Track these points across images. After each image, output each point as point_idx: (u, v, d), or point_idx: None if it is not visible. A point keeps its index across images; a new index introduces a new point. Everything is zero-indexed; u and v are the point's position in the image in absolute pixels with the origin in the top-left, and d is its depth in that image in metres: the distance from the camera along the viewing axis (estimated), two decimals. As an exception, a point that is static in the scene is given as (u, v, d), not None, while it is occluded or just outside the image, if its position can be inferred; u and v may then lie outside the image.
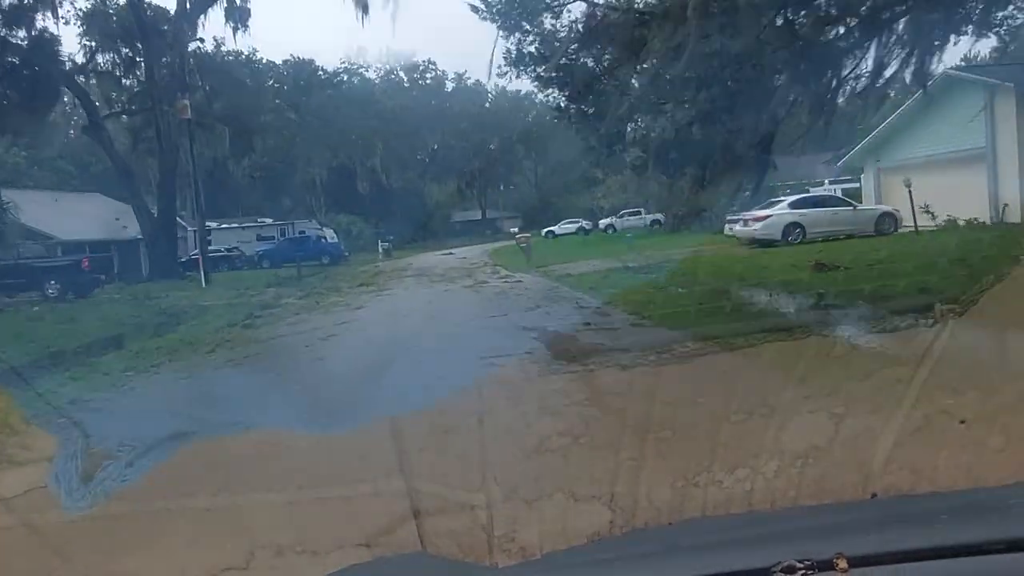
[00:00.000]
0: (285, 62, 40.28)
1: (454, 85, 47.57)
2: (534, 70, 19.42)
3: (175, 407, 5.46)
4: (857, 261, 9.64)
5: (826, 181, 24.73)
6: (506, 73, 20.72)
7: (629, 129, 19.40)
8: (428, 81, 47.64)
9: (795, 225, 15.33)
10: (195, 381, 6.45)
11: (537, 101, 53.01)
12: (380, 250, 29.41)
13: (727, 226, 17.07)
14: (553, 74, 15.31)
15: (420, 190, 42.15)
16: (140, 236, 23.51)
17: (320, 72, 41.15)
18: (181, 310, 12.12)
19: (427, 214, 40.96)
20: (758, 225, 15.40)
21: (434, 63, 46.18)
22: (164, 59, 24.38)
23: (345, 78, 43.25)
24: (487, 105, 49.38)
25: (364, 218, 37.81)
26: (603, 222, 30.94)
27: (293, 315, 10.52)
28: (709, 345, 5.47)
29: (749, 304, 7.43)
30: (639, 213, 29.86)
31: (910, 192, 14.31)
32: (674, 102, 11.88)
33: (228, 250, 26.58)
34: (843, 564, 1.05)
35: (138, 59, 24.21)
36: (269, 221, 31.10)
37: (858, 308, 6.42)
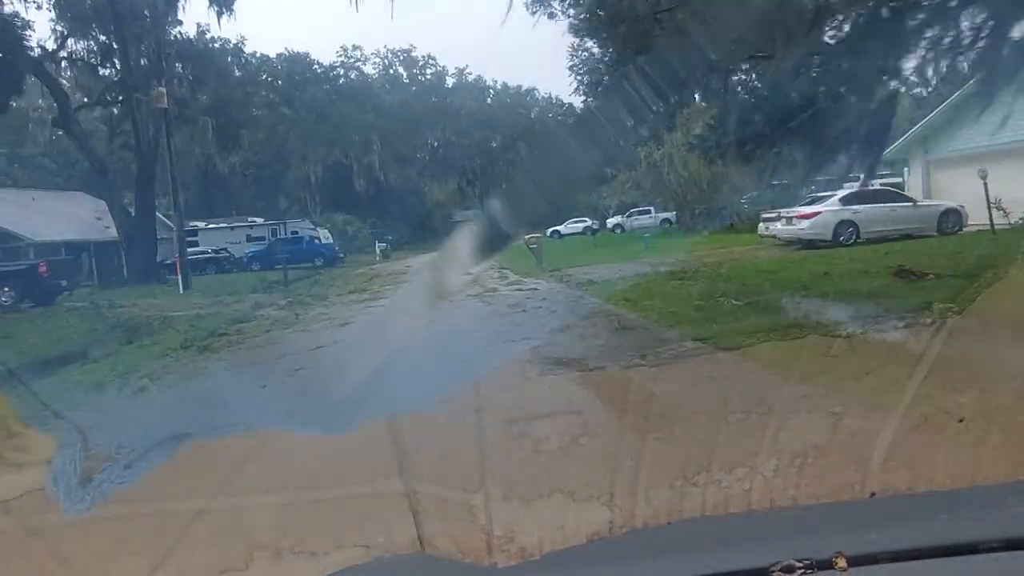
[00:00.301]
0: (279, 55, 41.56)
1: (455, 81, 49.62)
2: (567, 11, 18.56)
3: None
4: (947, 267, 8.39)
5: (861, 176, 25.13)
6: (535, 11, 19.40)
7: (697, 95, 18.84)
8: (428, 77, 49.44)
9: (848, 223, 14.61)
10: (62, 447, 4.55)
11: (539, 97, 52.81)
12: (377, 251, 29.91)
13: (763, 225, 16.57)
14: (592, 15, 14.22)
15: (419, 189, 43.09)
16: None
17: (315, 66, 42.76)
18: (140, 324, 11.50)
19: (426, 213, 42.10)
20: (805, 223, 14.78)
21: (434, 58, 48.47)
22: (142, 45, 24.02)
23: (341, 72, 44.79)
24: (488, 101, 51.33)
25: (361, 217, 38.81)
26: (611, 221, 32.06)
27: (263, 333, 9.67)
28: (850, 396, 3.77)
29: (852, 328, 5.70)
30: (649, 212, 30.81)
31: (985, 185, 13.40)
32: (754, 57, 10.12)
33: (216, 252, 26.83)
34: (842, 563, 1.14)
35: (114, 45, 23.81)
36: (260, 221, 31.53)
37: (1005, 333, 5.01)
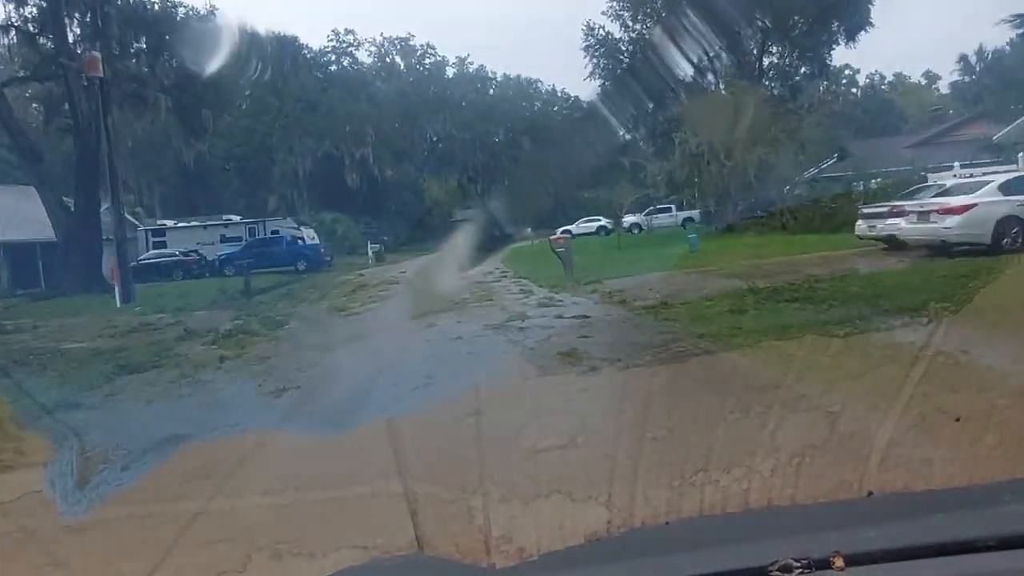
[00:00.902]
0: (266, 35, 42.46)
1: (455, 71, 51.00)
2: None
3: None
4: None
5: (956, 164, 23.51)
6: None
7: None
8: (427, 66, 50.53)
9: (1014, 220, 12.10)
10: None
11: (543, 90, 54.19)
12: (370, 253, 30.26)
13: (864, 223, 14.61)
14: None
15: (417, 185, 43.90)
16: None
17: (305, 51, 43.53)
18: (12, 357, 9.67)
19: (425, 212, 42.46)
20: (952, 221, 12.12)
21: (433, 47, 49.83)
22: (80, 7, 22.41)
23: (333, 58, 45.73)
24: (491, 92, 52.48)
25: (353, 216, 39.83)
26: (627, 220, 32.51)
27: (143, 404, 6.64)
28: None
29: None
30: (670, 210, 31.85)
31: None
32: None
33: (184, 254, 26.34)
34: (840, 562, 1.28)
35: (45, 4, 22.17)
36: (236, 219, 31.17)
37: None
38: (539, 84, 53.23)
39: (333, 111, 40.37)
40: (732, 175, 25.45)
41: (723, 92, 28.11)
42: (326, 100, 40.83)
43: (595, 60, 35.00)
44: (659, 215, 31.59)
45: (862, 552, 1.32)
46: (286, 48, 41.46)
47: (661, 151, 30.11)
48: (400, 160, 44.37)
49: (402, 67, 50.26)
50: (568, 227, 32.75)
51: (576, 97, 51.38)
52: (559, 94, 52.26)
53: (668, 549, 1.61)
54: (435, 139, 48.17)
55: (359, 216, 39.66)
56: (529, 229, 33.36)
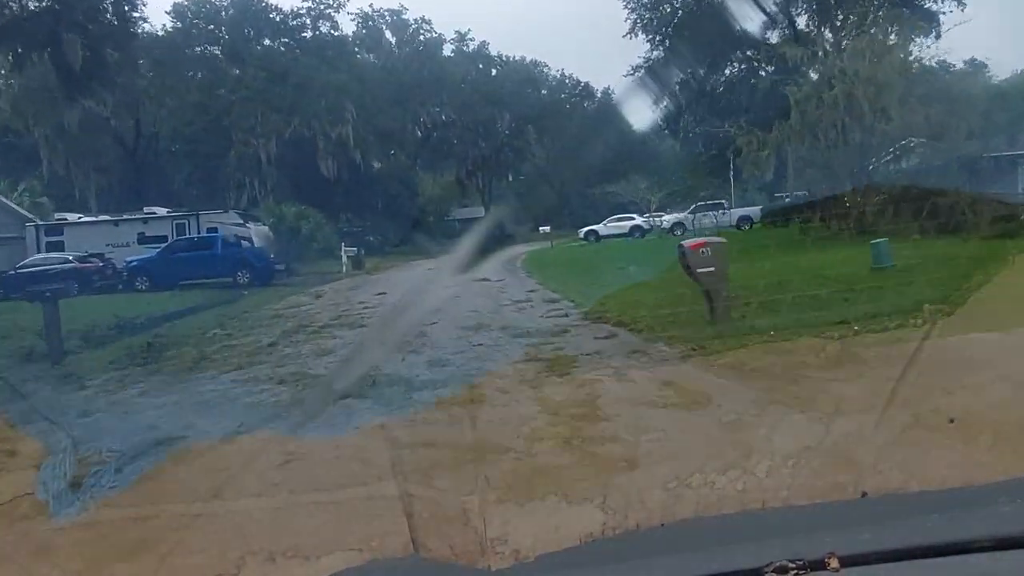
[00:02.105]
0: None
1: (453, 49, 51.39)
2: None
3: None
4: None
5: None
6: None
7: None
8: (421, 42, 50.04)
9: None
10: None
11: (551, 76, 54.56)
12: (344, 259, 27.82)
13: None
14: None
15: (408, 177, 43.95)
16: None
17: (273, 13, 41.11)
18: None
19: (419, 209, 42.77)
20: None
21: (429, 22, 49.95)
22: None
23: (308, 22, 42.82)
24: (494, 72, 53.09)
25: (329, 211, 37.14)
26: (666, 218, 33.18)
27: None
28: None
29: None
30: (720, 206, 31.93)
31: None
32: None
33: (82, 259, 23.51)
34: (834, 563, 1.50)
35: None
36: (162, 212, 27.89)
37: None
38: (546, 68, 54.51)
39: (306, 83, 38.31)
40: (877, 145, 24.63)
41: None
42: (297, 70, 38.97)
43: (635, 13, 34.93)
44: (710, 212, 31.00)
45: (857, 553, 1.56)
46: (248, 6, 40.25)
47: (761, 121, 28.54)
48: (389, 147, 43.72)
49: (393, 43, 51.11)
50: (593, 227, 32.98)
51: (586, 83, 52.45)
52: (568, 80, 53.68)
53: (663, 551, 1.92)
54: (430, 126, 47.92)
55: (337, 212, 38.16)
56: (548, 227, 32.63)
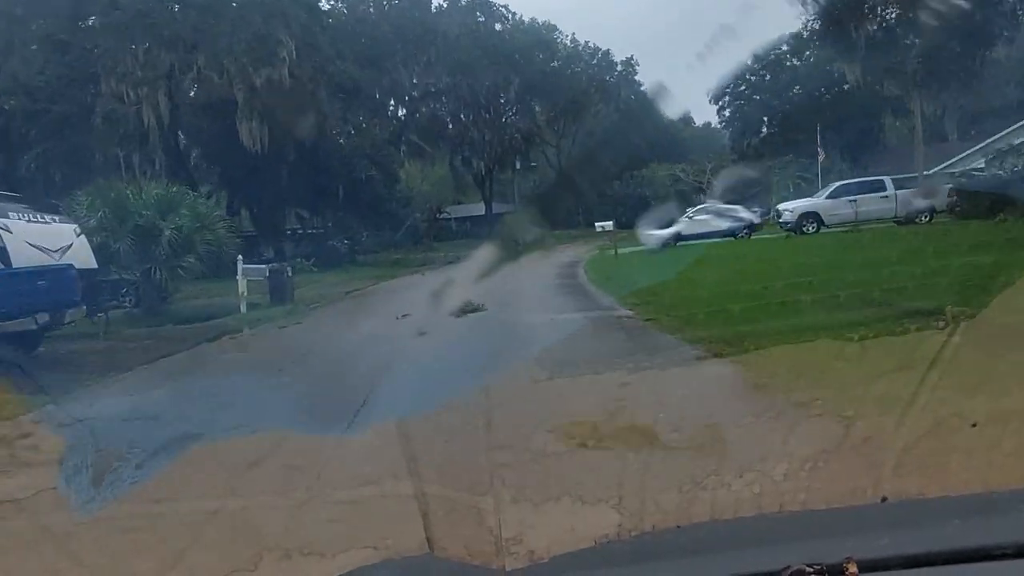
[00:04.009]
0: None
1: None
2: None
3: None
4: None
5: None
6: None
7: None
8: None
9: None
10: None
11: (565, 41, 45.06)
12: (242, 285, 17.36)
13: None
14: None
15: (385, 159, 32.40)
16: None
17: None
18: None
19: (400, 201, 33.56)
20: None
21: None
22: None
23: None
24: (499, 28, 42.05)
25: (255, 200, 29.20)
26: (788, 208, 24.39)
27: None
28: None
29: None
30: (880, 186, 23.12)
31: None
32: None
33: None
34: (853, 568, 1.48)
35: None
36: None
37: None
38: (558, 34, 44.86)
39: (216, 5, 24.64)
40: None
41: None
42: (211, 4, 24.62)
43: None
44: (854, 196, 23.00)
45: (876, 558, 1.54)
46: None
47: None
48: (357, 115, 32.94)
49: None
50: (661, 229, 24.15)
51: (606, 51, 44.27)
52: (585, 47, 45.37)
53: (679, 553, 1.89)
54: (417, 95, 38.53)
55: (274, 204, 28.52)
56: (610, 224, 28.26)
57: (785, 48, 37.68)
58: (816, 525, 2.19)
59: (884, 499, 2.68)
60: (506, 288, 13.57)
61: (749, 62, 37.66)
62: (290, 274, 18.77)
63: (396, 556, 3.11)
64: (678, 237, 24.48)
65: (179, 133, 27.68)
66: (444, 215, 39.26)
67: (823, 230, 23.29)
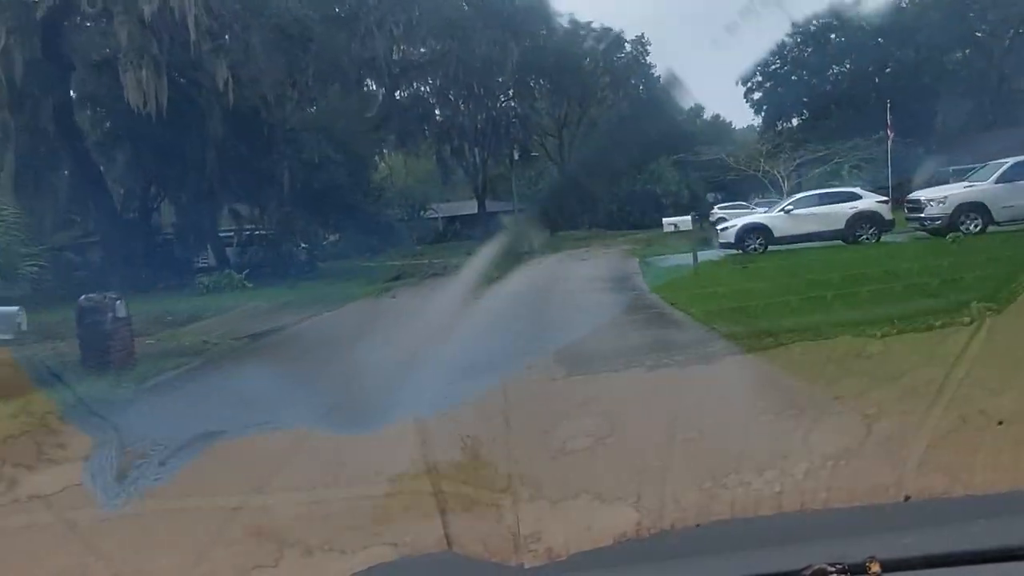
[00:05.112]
0: None
1: None
2: None
3: None
4: None
5: None
6: None
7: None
8: None
9: None
10: None
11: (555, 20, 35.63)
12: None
13: None
14: None
15: (352, 141, 25.35)
16: None
17: None
18: None
19: (371, 196, 26.98)
20: None
21: None
22: None
23: None
24: None
25: (169, 190, 21.27)
26: (931, 196, 17.40)
27: None
28: None
29: None
30: None
31: None
32: None
33: None
34: (876, 568, 1.48)
35: None
36: None
37: None
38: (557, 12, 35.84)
39: None
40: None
41: None
42: None
43: None
44: None
45: (899, 558, 1.53)
46: None
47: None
48: (304, 76, 23.41)
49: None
50: (751, 215, 20.23)
51: (618, 32, 38.14)
52: (585, 26, 37.79)
53: (699, 551, 1.88)
54: (396, 69, 30.60)
55: (180, 190, 21.53)
56: (684, 220, 23.75)
57: (832, 19, 34.54)
58: (838, 524, 2.17)
59: (907, 498, 2.61)
60: (532, 334, 9.63)
61: (786, 36, 34.75)
62: (19, 320, 11.14)
63: (415, 553, 3.08)
64: (766, 239, 18.74)
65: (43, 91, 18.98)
66: (430, 213, 34.54)
67: (991, 228, 16.80)
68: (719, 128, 44.38)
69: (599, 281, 15.75)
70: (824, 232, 18.29)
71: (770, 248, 18.51)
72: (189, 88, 20.34)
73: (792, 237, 18.42)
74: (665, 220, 25.24)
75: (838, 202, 18.87)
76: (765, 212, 20.17)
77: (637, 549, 2.34)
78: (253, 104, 21.14)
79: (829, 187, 21.64)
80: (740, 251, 18.47)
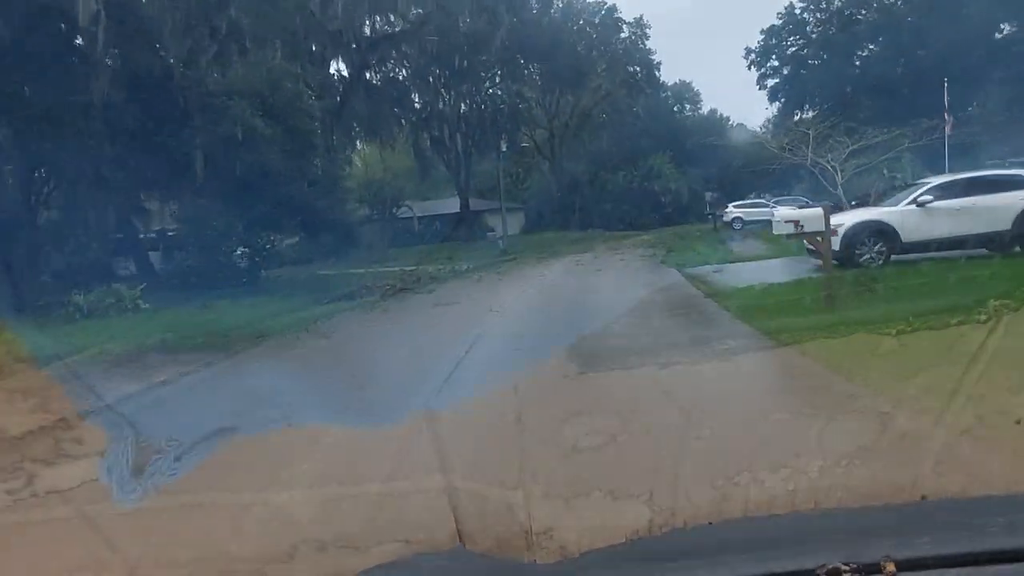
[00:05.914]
0: None
1: None
2: None
3: None
4: None
5: None
6: None
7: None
8: None
9: None
10: None
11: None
12: None
13: None
14: None
15: (296, 116, 20.43)
16: None
17: None
18: None
19: (323, 188, 22.50)
20: None
21: None
22: None
23: None
24: None
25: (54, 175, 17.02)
26: None
27: None
28: None
29: None
30: None
31: None
32: None
33: None
34: (891, 568, 1.47)
35: None
36: None
37: None
38: None
39: None
40: None
41: None
42: None
43: None
44: None
45: (915, 558, 1.51)
46: None
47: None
48: (234, 38, 18.37)
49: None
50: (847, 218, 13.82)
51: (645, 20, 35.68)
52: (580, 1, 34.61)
53: (712, 550, 1.86)
54: (366, 40, 25.45)
55: (66, 177, 17.15)
56: (808, 214, 16.35)
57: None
58: (853, 523, 2.13)
59: (924, 497, 2.58)
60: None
61: (804, 15, 32.87)
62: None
63: (428, 549, 3.08)
64: (889, 245, 13.58)
65: None
66: (404, 212, 29.31)
67: None
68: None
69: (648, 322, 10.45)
70: (979, 235, 12.95)
71: (892, 258, 13.44)
72: (64, 35, 15.68)
73: (929, 243, 13.09)
74: (776, 214, 15.42)
75: (1001, 190, 13.24)
76: (886, 208, 14.40)
77: (650, 547, 2.32)
78: (150, 57, 16.84)
79: (892, 179, 17.15)
80: (840, 263, 12.40)
